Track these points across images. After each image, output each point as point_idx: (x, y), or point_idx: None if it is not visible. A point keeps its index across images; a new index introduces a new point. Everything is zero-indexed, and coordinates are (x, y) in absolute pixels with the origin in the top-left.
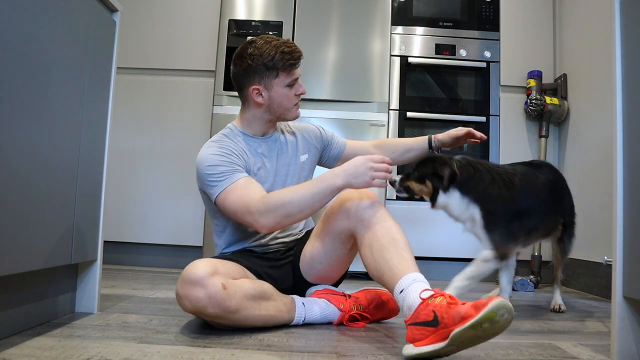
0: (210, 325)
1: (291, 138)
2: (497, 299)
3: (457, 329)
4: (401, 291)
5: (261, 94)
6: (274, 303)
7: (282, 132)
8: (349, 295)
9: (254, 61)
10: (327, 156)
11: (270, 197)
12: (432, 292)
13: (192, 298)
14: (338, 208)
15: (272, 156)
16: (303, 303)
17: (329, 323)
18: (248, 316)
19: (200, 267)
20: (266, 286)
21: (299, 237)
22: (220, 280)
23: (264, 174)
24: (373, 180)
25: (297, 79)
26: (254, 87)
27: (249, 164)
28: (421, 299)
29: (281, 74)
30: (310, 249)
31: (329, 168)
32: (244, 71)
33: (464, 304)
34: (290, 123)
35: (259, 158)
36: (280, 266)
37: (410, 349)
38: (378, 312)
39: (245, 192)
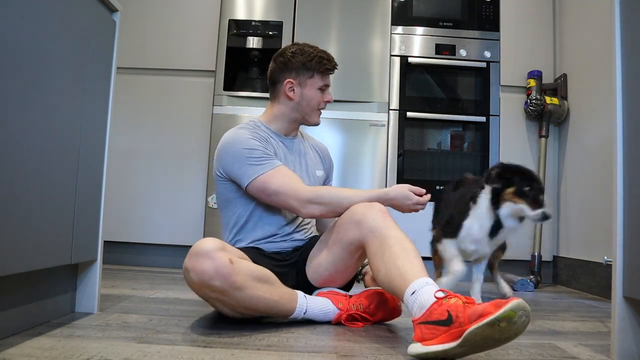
0: (210, 326)
1: (311, 151)
2: (517, 299)
3: (472, 327)
4: (413, 293)
5: (294, 89)
6: (278, 289)
7: (306, 142)
8: (350, 296)
9: (295, 58)
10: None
11: (324, 190)
12: (446, 294)
13: (198, 270)
14: (348, 219)
15: (294, 156)
16: (304, 296)
17: (329, 322)
18: (252, 296)
19: (209, 241)
20: (270, 273)
21: (307, 241)
22: (227, 255)
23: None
24: (413, 207)
25: (328, 85)
26: (288, 80)
27: (275, 153)
28: (436, 297)
29: (316, 75)
30: (317, 256)
31: None
32: (283, 65)
33: (480, 304)
34: (311, 138)
35: (281, 153)
36: (284, 266)
37: (417, 348)
38: (379, 311)
39: (293, 179)
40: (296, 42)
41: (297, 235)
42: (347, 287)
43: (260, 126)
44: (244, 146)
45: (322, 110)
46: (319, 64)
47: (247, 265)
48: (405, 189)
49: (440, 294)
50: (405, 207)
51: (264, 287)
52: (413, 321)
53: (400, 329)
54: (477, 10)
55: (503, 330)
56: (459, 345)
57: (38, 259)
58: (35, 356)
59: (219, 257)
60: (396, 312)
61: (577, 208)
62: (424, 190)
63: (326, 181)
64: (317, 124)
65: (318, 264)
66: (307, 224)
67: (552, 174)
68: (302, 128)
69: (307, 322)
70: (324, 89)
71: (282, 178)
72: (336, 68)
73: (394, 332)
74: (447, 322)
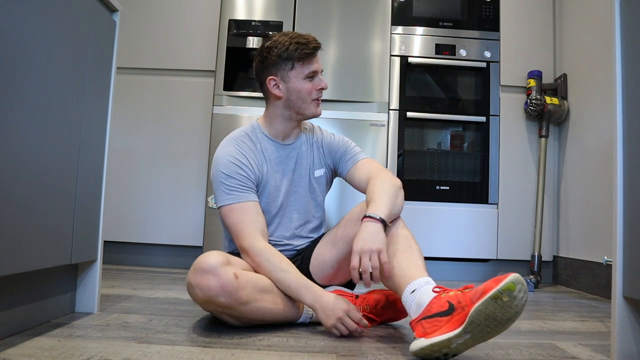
0: (210, 326)
1: (312, 148)
2: (514, 273)
3: (476, 304)
4: (412, 291)
5: (278, 86)
6: (284, 297)
7: (308, 141)
8: (357, 296)
9: (270, 53)
10: (339, 171)
11: (262, 250)
12: (443, 289)
13: (203, 287)
14: (357, 215)
15: (289, 165)
16: None
17: None
18: (259, 308)
19: (213, 256)
20: None
21: (309, 243)
22: (232, 270)
23: (277, 183)
24: (332, 328)
25: (315, 71)
26: (270, 77)
27: (262, 173)
28: (434, 292)
29: (297, 64)
30: (322, 253)
31: (344, 179)
32: (261, 64)
33: (479, 285)
34: (324, 132)
35: (275, 164)
36: None
37: (420, 342)
38: (385, 312)
39: (248, 220)
40: (274, 33)
41: (298, 243)
42: (350, 284)
43: (257, 133)
44: (223, 169)
45: (319, 100)
46: (296, 51)
47: (251, 277)
48: (345, 303)
49: (438, 289)
50: (329, 316)
51: (270, 298)
52: (411, 322)
53: (402, 328)
54: (477, 10)
55: (505, 307)
56: (464, 330)
57: (38, 259)
58: (35, 356)
59: (224, 273)
60: (402, 313)
61: (577, 208)
62: (364, 322)
63: (339, 164)
64: (316, 115)
65: (323, 261)
66: (313, 232)
67: (552, 174)
68: (311, 121)
69: (308, 322)
70: (312, 75)
71: (240, 217)
72: (318, 48)
73: (395, 332)
74: (449, 311)
